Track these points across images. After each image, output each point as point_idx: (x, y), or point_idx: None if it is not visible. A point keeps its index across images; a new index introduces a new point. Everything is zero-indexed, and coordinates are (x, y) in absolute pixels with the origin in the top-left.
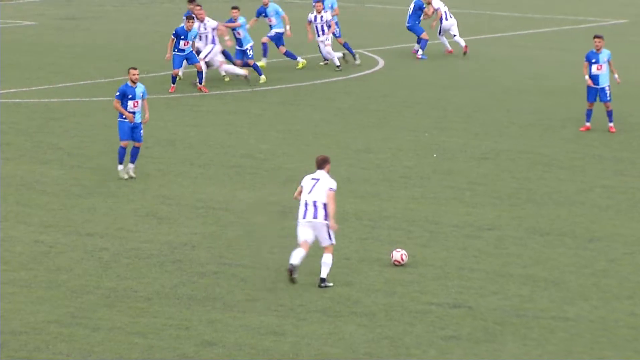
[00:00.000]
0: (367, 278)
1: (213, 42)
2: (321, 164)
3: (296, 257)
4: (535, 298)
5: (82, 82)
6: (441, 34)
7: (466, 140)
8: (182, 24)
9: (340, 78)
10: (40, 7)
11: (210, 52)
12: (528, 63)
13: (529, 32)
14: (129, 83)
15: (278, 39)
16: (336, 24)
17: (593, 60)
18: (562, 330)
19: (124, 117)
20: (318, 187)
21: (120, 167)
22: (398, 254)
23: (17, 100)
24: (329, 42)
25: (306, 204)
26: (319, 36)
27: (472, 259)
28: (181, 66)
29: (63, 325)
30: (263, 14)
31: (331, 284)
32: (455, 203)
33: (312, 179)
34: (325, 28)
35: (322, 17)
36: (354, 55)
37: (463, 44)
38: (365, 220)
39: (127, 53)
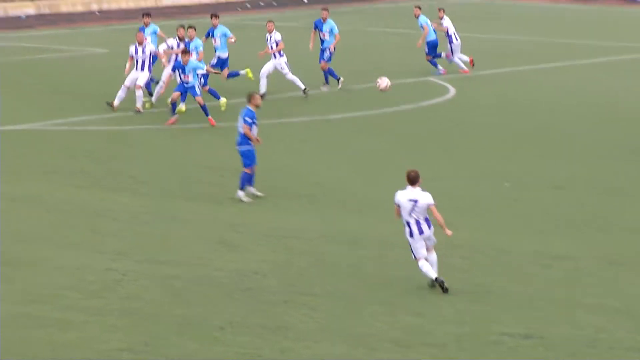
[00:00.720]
0: (438, 308)
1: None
2: (415, 180)
3: (431, 270)
4: (608, 328)
5: (155, 110)
6: (453, 55)
7: (538, 168)
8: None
9: (410, 106)
10: (112, 35)
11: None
12: (597, 90)
13: (598, 60)
14: (252, 107)
15: (222, 64)
16: (334, 48)
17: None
18: None
19: (251, 143)
20: (419, 208)
21: (240, 193)
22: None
23: (90, 127)
24: (285, 69)
25: (417, 222)
26: (274, 57)
27: (543, 289)
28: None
29: (135, 353)
30: (211, 35)
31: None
32: (526, 231)
33: (409, 200)
34: (274, 47)
35: (271, 37)
36: (338, 80)
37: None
38: (436, 249)
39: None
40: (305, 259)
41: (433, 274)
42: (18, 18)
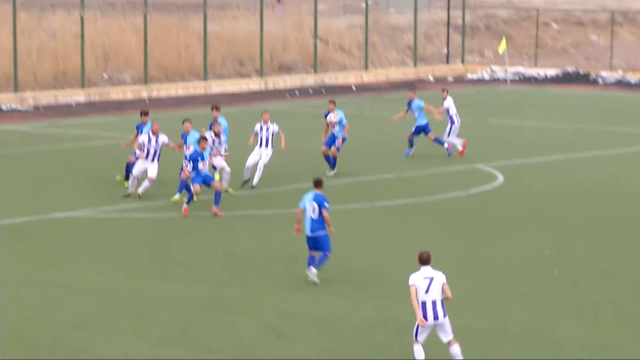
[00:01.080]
0: None
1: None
2: (427, 260)
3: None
4: None
5: (204, 197)
6: (449, 135)
7: (588, 256)
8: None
9: (459, 193)
10: (162, 122)
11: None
12: None
13: None
14: (319, 191)
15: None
16: (343, 139)
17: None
18: None
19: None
20: (435, 286)
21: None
22: None
23: (139, 215)
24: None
25: (433, 304)
26: (260, 147)
27: None
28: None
29: None
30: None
31: None
32: (576, 321)
33: (425, 278)
34: (270, 140)
35: (267, 128)
36: (333, 167)
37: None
38: (484, 337)
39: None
40: (355, 346)
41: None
42: (68, 106)
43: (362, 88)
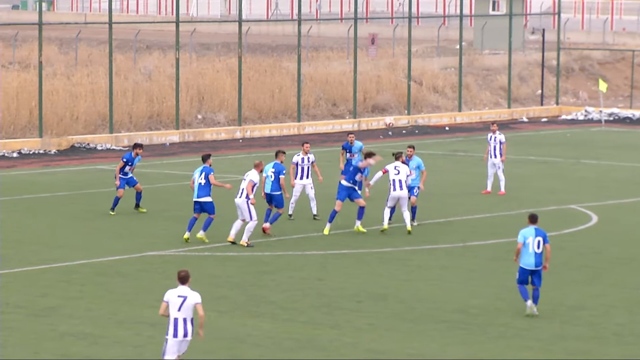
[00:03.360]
0: None
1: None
2: (184, 279)
3: None
4: None
5: (295, 236)
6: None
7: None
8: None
9: (553, 233)
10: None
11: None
12: None
13: None
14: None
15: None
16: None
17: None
18: None
19: None
20: (186, 304)
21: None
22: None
23: (231, 253)
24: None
25: (176, 321)
26: (301, 178)
27: None
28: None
29: None
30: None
31: None
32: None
33: (179, 296)
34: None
35: (308, 158)
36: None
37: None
38: None
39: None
40: None
41: None
42: (162, 145)
43: (455, 129)
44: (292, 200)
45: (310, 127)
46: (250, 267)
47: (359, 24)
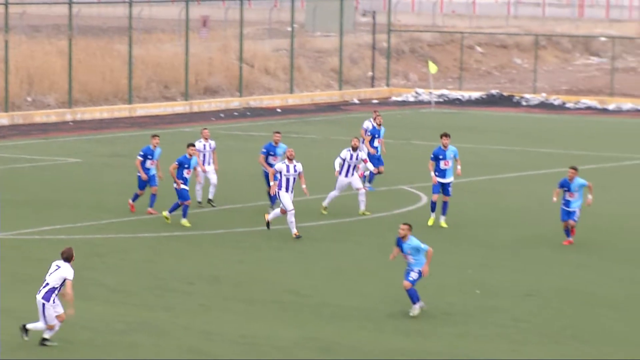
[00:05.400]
0: None
1: None
2: (68, 258)
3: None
4: None
5: (126, 219)
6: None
7: (511, 277)
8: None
9: (384, 214)
10: (86, 145)
11: None
12: None
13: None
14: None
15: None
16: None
17: (565, 189)
18: None
19: None
20: (56, 274)
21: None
22: None
23: (62, 236)
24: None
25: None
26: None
27: None
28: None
29: None
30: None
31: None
32: (499, 340)
33: (56, 265)
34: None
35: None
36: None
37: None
38: (409, 356)
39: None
40: None
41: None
42: None
43: (288, 110)
44: (198, 187)
45: (141, 109)
46: (80, 250)
47: (191, 5)
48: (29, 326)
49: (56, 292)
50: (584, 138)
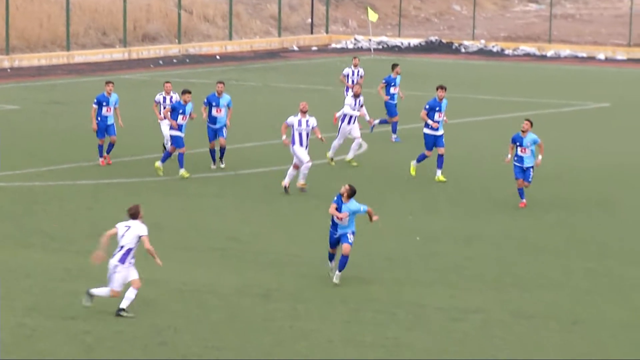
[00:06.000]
0: None
1: None
2: (134, 214)
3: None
4: None
5: (65, 166)
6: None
7: (450, 224)
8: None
9: (323, 161)
10: (24, 92)
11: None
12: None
13: (512, 115)
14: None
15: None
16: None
17: (517, 144)
18: None
19: None
20: (129, 234)
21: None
22: None
23: (1, 183)
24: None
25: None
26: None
27: (457, 342)
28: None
29: None
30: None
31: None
32: (439, 286)
33: (125, 226)
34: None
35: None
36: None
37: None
38: (350, 303)
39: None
40: (218, 313)
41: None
42: None
43: (227, 57)
44: (166, 140)
45: (80, 56)
46: (19, 198)
47: None
48: (92, 291)
49: (132, 252)
50: (522, 85)
